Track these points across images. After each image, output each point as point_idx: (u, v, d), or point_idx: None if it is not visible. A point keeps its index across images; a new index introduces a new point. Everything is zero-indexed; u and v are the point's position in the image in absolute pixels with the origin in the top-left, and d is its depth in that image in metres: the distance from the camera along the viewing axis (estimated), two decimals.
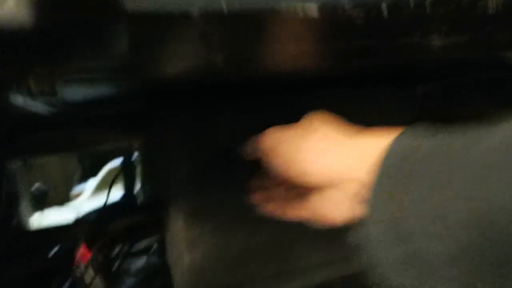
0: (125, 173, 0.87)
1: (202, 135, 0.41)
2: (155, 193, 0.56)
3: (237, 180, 0.41)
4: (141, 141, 0.69)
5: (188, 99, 0.40)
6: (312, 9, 0.17)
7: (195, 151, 0.41)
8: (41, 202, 0.79)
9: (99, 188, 1.28)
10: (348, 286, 0.50)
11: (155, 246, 0.69)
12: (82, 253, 0.38)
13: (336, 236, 0.49)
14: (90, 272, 0.36)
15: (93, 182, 1.37)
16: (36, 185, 0.78)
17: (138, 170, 0.81)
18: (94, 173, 1.46)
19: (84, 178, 1.50)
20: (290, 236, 0.47)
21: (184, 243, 0.41)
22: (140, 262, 0.69)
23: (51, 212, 1.03)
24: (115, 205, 0.58)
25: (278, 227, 0.46)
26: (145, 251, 0.73)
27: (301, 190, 0.31)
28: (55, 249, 0.72)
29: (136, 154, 0.84)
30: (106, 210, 0.49)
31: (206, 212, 0.41)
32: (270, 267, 0.47)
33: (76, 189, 1.40)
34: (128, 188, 0.73)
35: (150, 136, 0.52)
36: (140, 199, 0.73)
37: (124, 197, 0.73)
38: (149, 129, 0.52)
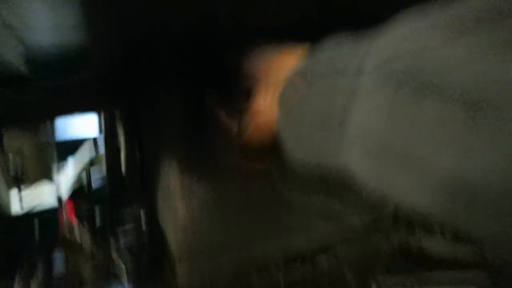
0: (107, 146, 0.83)
1: (193, 88, 0.38)
2: (142, 154, 0.53)
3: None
4: (123, 105, 0.66)
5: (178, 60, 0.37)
6: None
7: (187, 102, 0.38)
8: (19, 182, 0.74)
9: (79, 166, 1.23)
10: (343, 239, 0.49)
11: (142, 213, 0.66)
12: (68, 209, 0.35)
13: (333, 193, 0.48)
14: (79, 227, 0.33)
15: (72, 160, 1.32)
16: (12, 168, 0.73)
17: (121, 140, 0.77)
18: (72, 153, 1.41)
19: (63, 157, 1.44)
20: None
21: (180, 193, 0.38)
22: (127, 227, 0.66)
23: (31, 191, 0.99)
24: (99, 173, 0.54)
25: (277, 177, 0.44)
26: (132, 219, 0.70)
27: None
28: (39, 231, 0.69)
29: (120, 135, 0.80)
30: (90, 176, 0.45)
31: (201, 161, 0.39)
32: (269, 222, 0.45)
33: (55, 168, 1.34)
34: (111, 160, 0.70)
35: (137, 95, 0.49)
36: (124, 168, 0.69)
37: (108, 167, 0.70)
38: (137, 88, 0.48)
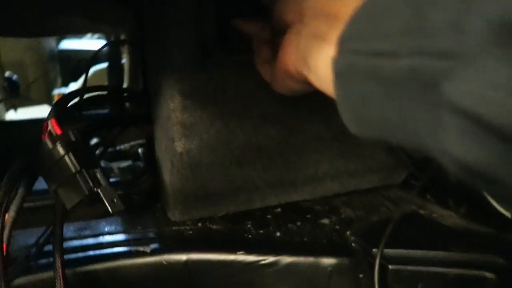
0: (112, 74, 0.79)
1: None
2: (144, 78, 0.48)
3: (247, 57, 0.34)
4: (128, 28, 0.60)
5: None
6: None
7: (199, 14, 0.32)
8: (14, 93, 0.71)
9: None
10: (350, 202, 0.46)
11: (140, 150, 0.64)
12: (52, 128, 0.31)
13: (347, 148, 0.44)
14: (59, 150, 0.29)
15: (75, 86, 1.28)
16: (8, 73, 0.70)
17: (127, 68, 0.73)
18: (75, 78, 1.37)
19: (66, 82, 1.41)
20: (301, 139, 0.41)
21: (178, 128, 0.34)
22: (124, 163, 0.63)
23: (31, 109, 0.98)
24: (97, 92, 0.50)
25: (289, 125, 0.39)
26: (130, 155, 0.68)
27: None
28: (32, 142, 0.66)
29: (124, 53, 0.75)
30: (84, 91, 0.41)
31: (207, 93, 0.34)
32: (274, 172, 0.42)
33: (57, 91, 1.31)
34: (114, 82, 0.66)
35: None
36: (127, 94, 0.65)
37: (109, 90, 0.66)
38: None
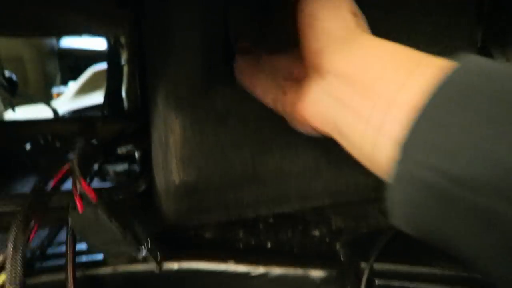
0: (111, 75, 0.79)
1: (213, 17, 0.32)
2: (143, 93, 0.49)
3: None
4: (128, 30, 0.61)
5: None
6: None
7: (205, 40, 0.32)
8: (13, 93, 0.71)
9: (80, 91, 1.19)
10: (340, 211, 0.47)
11: (137, 153, 0.64)
12: (87, 194, 0.31)
13: (342, 172, 0.45)
14: (102, 217, 0.30)
15: (74, 85, 1.29)
16: (7, 72, 0.70)
17: (125, 71, 0.73)
18: (75, 77, 1.37)
19: (65, 80, 1.41)
20: (298, 166, 0.41)
21: (177, 162, 0.34)
22: (120, 167, 0.64)
23: (29, 108, 0.98)
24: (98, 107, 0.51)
25: (287, 154, 0.40)
26: (126, 157, 0.68)
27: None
28: (29, 143, 0.66)
29: (123, 56, 0.75)
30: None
31: (208, 125, 0.34)
32: (268, 193, 0.42)
33: (56, 90, 1.31)
34: (114, 91, 0.66)
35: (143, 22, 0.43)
36: (126, 104, 0.66)
37: (108, 100, 0.66)
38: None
